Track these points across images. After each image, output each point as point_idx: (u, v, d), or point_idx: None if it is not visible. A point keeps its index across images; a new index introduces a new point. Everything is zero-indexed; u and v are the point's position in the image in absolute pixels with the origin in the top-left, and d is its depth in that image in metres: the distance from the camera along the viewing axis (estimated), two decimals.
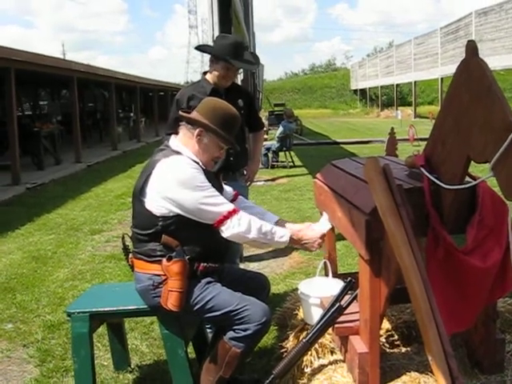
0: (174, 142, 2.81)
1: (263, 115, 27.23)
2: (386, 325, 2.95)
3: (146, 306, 2.83)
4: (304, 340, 2.51)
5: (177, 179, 2.64)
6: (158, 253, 2.70)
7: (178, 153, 2.74)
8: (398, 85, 41.04)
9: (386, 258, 2.28)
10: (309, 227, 2.95)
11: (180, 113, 2.87)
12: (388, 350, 2.83)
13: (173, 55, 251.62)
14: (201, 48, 4.07)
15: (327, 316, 2.51)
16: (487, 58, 21.44)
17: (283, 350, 2.99)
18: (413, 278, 2.00)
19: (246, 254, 5.83)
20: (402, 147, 11.97)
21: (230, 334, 2.69)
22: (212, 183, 2.73)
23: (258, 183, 10.76)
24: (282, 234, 2.76)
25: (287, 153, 13.77)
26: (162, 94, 32.28)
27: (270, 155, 13.58)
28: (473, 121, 2.01)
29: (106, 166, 15.72)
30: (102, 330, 3.58)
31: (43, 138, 14.28)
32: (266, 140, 14.54)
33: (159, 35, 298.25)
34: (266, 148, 13.52)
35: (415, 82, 36.74)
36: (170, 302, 2.65)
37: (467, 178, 2.32)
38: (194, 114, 2.80)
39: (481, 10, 25.27)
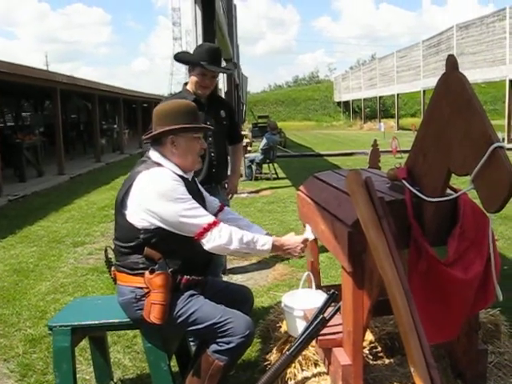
0: (155, 153, 2.80)
1: (247, 127, 27.33)
2: (369, 336, 2.96)
3: (128, 319, 2.80)
4: (287, 352, 2.50)
5: (157, 191, 2.62)
6: (141, 265, 2.69)
7: (159, 164, 2.73)
8: (380, 97, 41.42)
9: (368, 270, 2.29)
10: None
11: (143, 138, 2.86)
12: (371, 362, 2.83)
13: (156, 67, 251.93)
14: (178, 57, 4.07)
15: (310, 328, 2.50)
16: (468, 70, 21.79)
17: (267, 363, 2.98)
18: (395, 290, 2.01)
19: (229, 266, 5.81)
20: (385, 159, 12.06)
21: (213, 346, 2.67)
22: (193, 195, 2.73)
23: (242, 195, 10.77)
24: (264, 242, 2.74)
25: (271, 165, 13.81)
26: (145, 105, 32.24)
27: (254, 167, 13.60)
28: (453, 134, 2.04)
29: (89, 178, 15.63)
30: (85, 343, 3.55)
31: (25, 149, 14.16)
32: (249, 152, 14.58)
33: (143, 47, 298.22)
34: (249, 160, 13.56)
35: (398, 95, 37.11)
36: (153, 314, 2.63)
37: (448, 191, 2.34)
38: (156, 130, 2.78)
39: (462, 23, 25.69)
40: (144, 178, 2.67)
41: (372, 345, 2.95)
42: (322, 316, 2.51)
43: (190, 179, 2.86)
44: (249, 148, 15.37)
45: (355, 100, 47.91)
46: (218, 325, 2.63)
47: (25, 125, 24.44)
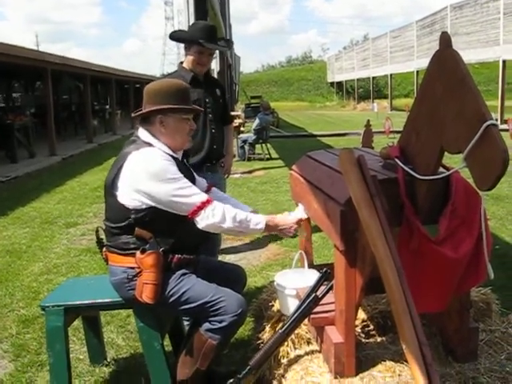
0: (144, 133, 2.77)
1: (239, 108, 27.21)
2: (361, 315, 2.97)
3: (121, 299, 2.81)
4: (280, 331, 2.51)
5: (149, 171, 2.61)
6: (132, 245, 2.69)
7: (149, 144, 2.71)
8: (374, 78, 41.29)
9: (361, 249, 2.29)
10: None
11: (132, 115, 2.83)
12: (363, 340, 2.85)
13: (148, 47, 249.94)
14: (174, 36, 4.05)
15: (303, 307, 2.51)
16: (462, 51, 21.67)
17: (260, 342, 2.99)
18: (388, 268, 2.01)
19: (222, 246, 5.80)
20: (378, 139, 12.02)
21: (206, 325, 2.68)
22: (184, 174, 2.72)
23: (235, 175, 10.76)
24: (258, 221, 2.74)
25: (264, 145, 13.78)
26: (137, 86, 32.02)
27: (247, 147, 13.57)
28: (446, 112, 2.03)
29: (81, 158, 15.57)
30: (78, 323, 3.56)
31: (16, 130, 14.09)
32: (242, 132, 14.53)
33: (134, 27, 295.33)
34: (242, 140, 13.53)
35: (391, 75, 36.98)
36: (145, 294, 2.63)
37: (441, 169, 2.34)
38: (145, 108, 2.76)
39: (456, 3, 25.56)
40: (134, 159, 2.65)
41: (364, 323, 2.96)
42: (314, 294, 2.51)
43: (179, 159, 2.84)
44: (241, 128, 15.30)
45: (348, 80, 47.75)
46: (211, 303, 2.64)
47: (16, 106, 24.22)
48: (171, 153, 2.75)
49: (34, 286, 4.92)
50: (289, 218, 2.87)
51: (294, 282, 2.92)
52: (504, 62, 21.56)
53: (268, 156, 13.68)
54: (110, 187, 2.70)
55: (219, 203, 2.71)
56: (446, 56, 2.03)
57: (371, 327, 2.95)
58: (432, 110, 2.13)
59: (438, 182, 2.27)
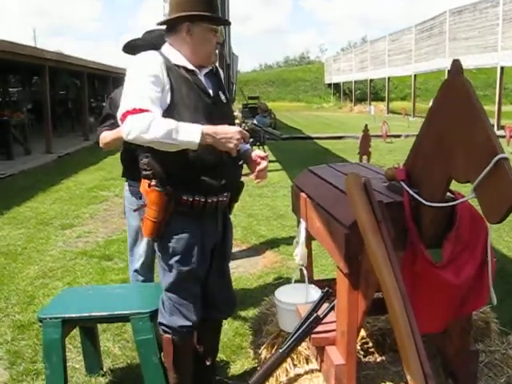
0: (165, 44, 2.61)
1: (237, 107, 27.17)
2: (361, 332, 2.95)
3: (119, 312, 2.79)
4: (280, 350, 2.49)
5: (131, 66, 2.51)
6: (143, 172, 2.56)
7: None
8: (371, 80, 41.31)
9: (364, 272, 2.27)
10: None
11: (157, 23, 2.64)
12: (363, 359, 2.84)
13: None
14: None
15: (304, 326, 2.49)
16: (460, 56, 21.73)
17: (258, 356, 2.98)
18: (393, 297, 1.99)
19: None
20: (376, 143, 12.07)
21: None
22: (184, 86, 2.50)
23: None
24: (191, 131, 2.35)
25: (261, 147, 13.73)
26: None
27: None
28: (456, 141, 2.00)
29: (77, 157, 15.47)
30: (74, 331, 3.53)
31: (13, 126, 14.00)
32: None
33: (132, 22, 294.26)
34: None
35: (389, 78, 37.02)
36: (144, 228, 2.59)
37: (448, 194, 2.32)
38: (172, 15, 2.55)
39: (455, 8, 25.59)
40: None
41: (363, 340, 2.96)
42: (315, 314, 2.50)
43: (197, 71, 2.58)
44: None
45: (346, 82, 47.77)
46: (170, 296, 2.64)
47: (12, 101, 24.10)
48: (182, 63, 2.53)
49: (30, 290, 4.88)
50: (232, 127, 2.49)
51: (294, 298, 2.91)
52: (502, 68, 21.61)
53: None
54: None
55: (152, 114, 2.34)
56: (456, 84, 2.01)
57: (370, 345, 2.95)
58: (440, 136, 2.11)
59: (444, 208, 2.24)
